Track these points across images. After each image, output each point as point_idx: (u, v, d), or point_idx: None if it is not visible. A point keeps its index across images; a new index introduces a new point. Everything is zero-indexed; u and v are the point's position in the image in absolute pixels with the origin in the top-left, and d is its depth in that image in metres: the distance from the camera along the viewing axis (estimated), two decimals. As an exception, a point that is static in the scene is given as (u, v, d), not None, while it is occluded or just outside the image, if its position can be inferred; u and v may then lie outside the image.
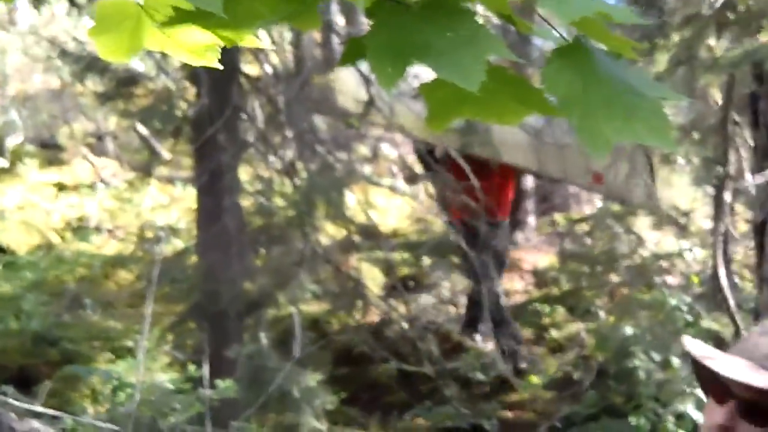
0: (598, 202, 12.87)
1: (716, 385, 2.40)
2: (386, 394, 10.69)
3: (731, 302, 4.42)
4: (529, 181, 13.46)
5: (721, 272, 4.54)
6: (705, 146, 8.63)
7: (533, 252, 13.54)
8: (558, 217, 14.43)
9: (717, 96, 7.94)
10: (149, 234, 9.03)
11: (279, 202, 9.18)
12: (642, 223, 11.02)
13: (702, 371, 2.47)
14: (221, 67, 1.79)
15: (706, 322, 6.84)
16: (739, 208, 9.40)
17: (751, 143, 4.60)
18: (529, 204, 13.72)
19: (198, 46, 1.76)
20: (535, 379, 10.83)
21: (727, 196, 4.54)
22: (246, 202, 9.11)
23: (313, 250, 9.01)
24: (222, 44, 1.76)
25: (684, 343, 2.54)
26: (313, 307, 11.16)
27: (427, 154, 9.96)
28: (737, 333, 5.07)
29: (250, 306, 8.67)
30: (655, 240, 11.99)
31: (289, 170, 9.10)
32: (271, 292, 8.80)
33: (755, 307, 4.77)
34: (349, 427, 9.79)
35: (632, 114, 1.36)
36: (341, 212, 9.18)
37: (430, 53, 1.50)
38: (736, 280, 9.46)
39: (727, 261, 5.17)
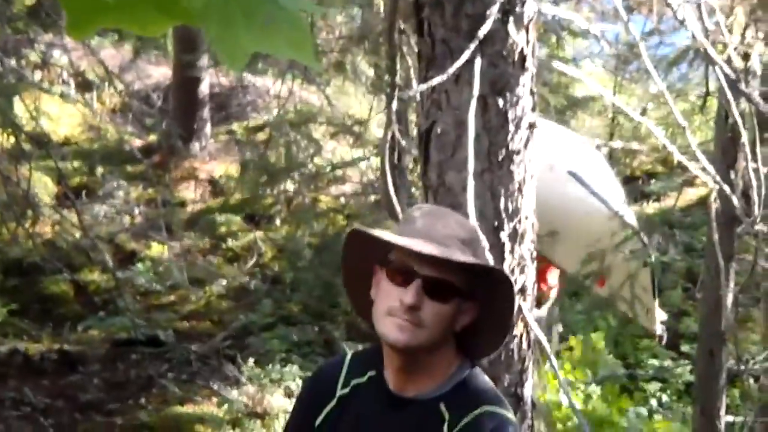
0: (275, 110, 12.90)
1: (398, 269, 2.51)
2: (59, 306, 10.49)
3: (398, 209, 4.52)
4: (204, 88, 13.37)
5: (388, 180, 4.62)
6: (377, 55, 8.77)
7: (209, 161, 13.49)
8: (235, 125, 14.41)
9: (383, 4, 8.06)
10: None
11: (-58, 108, 8.78)
12: (319, 132, 11.12)
13: (375, 256, 2.60)
14: None
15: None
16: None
17: (417, 51, 4.67)
18: (205, 112, 13.62)
19: None
20: (211, 289, 10.85)
21: (395, 105, 4.60)
22: None
23: (-20, 159, 8.69)
24: None
25: (358, 230, 2.65)
26: (-19, 218, 10.79)
27: None
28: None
29: None
30: (332, 148, 12.15)
31: (-49, 76, 8.71)
32: (-65, 203, 8.44)
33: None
34: (20, 339, 9.56)
35: (272, 26, 1.33)
36: (10, 120, 8.86)
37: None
38: (413, 189, 9.70)
39: (397, 169, 5.27)
